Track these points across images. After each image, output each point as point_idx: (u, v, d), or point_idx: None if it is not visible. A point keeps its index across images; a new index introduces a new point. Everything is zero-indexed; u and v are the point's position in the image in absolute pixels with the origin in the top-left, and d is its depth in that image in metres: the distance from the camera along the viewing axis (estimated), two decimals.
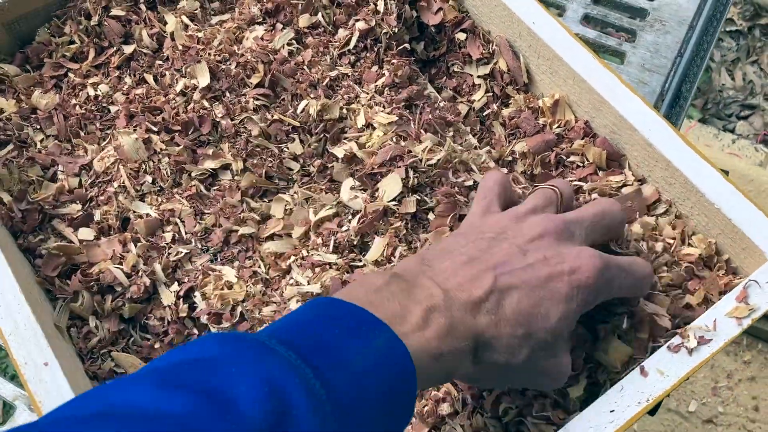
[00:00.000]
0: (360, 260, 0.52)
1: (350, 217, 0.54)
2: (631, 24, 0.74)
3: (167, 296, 0.53)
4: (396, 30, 0.62)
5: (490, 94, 0.62)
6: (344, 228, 0.53)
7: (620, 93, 0.55)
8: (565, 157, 0.58)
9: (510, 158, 0.59)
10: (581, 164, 0.57)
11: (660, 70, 0.70)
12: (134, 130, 0.59)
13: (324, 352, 0.34)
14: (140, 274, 0.53)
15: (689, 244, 0.53)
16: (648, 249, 0.52)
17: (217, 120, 0.58)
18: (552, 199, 0.47)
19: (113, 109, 0.61)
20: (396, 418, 0.36)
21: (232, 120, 0.58)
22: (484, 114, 0.62)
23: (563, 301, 0.41)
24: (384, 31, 0.61)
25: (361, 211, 0.53)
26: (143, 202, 0.57)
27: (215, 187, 0.58)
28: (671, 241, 0.53)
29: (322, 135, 0.57)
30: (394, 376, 0.35)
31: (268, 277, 0.53)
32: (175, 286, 0.54)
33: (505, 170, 0.57)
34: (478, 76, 0.63)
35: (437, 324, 0.38)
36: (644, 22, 0.74)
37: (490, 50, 0.63)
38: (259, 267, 0.54)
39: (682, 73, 0.71)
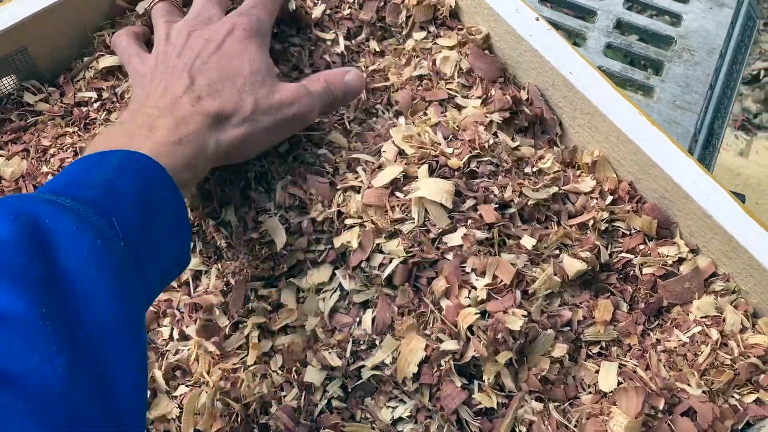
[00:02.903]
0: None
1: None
2: (658, 54, 0.68)
3: (170, 407, 0.46)
4: None
5: None
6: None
7: (673, 156, 0.49)
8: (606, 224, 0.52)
9: None
10: (627, 232, 0.52)
11: (692, 107, 0.65)
12: None
13: (65, 184, 0.37)
14: None
15: (754, 328, 0.48)
16: (708, 337, 0.47)
17: None
18: (168, 7, 0.53)
19: None
20: (166, 207, 0.39)
21: None
22: None
23: (242, 53, 0.48)
24: None
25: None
26: None
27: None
28: (734, 327, 0.47)
29: None
30: (137, 169, 0.39)
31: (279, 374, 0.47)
32: (181, 390, 0.47)
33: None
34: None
35: (163, 124, 0.42)
36: (671, 52, 0.68)
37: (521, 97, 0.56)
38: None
39: (714, 108, 0.65)
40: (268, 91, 0.47)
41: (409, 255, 0.46)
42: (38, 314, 0.30)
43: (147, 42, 0.55)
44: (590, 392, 0.47)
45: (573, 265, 0.48)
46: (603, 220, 0.51)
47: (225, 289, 0.50)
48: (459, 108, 0.55)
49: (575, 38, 0.71)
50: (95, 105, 0.57)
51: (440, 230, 0.47)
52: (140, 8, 0.57)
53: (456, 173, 0.49)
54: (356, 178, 0.49)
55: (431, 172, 0.49)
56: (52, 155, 0.54)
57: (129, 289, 0.35)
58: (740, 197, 0.71)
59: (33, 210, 0.34)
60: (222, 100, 0.45)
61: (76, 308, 0.32)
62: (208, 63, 0.47)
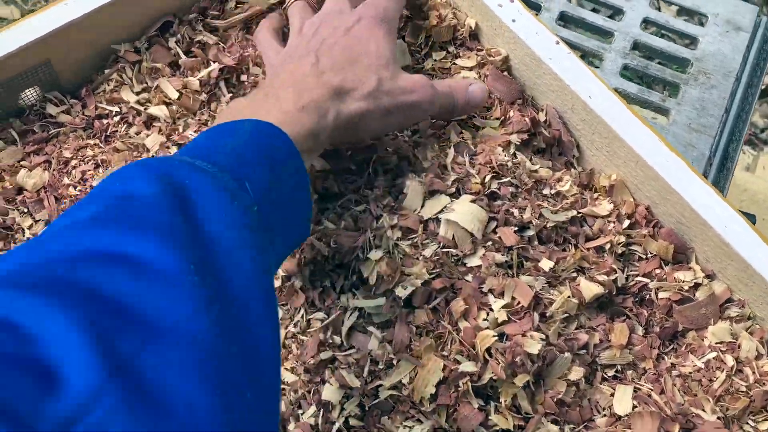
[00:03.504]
0: None
1: None
2: (674, 77, 0.69)
3: None
4: None
5: None
6: None
7: (691, 182, 0.50)
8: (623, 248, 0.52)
9: None
10: (644, 256, 0.52)
11: (707, 130, 0.65)
12: None
13: (200, 149, 0.40)
14: None
15: None
16: (723, 363, 0.47)
17: None
18: (304, 5, 0.56)
19: None
20: (290, 176, 0.41)
21: None
22: None
23: (371, 35, 0.50)
24: None
25: None
26: None
27: None
28: (750, 354, 0.48)
29: None
30: (265, 138, 0.41)
31: None
32: None
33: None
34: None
35: (287, 95, 0.45)
36: (688, 75, 0.69)
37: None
38: None
39: (729, 131, 0.66)
40: (391, 74, 0.49)
41: (432, 277, 0.47)
42: (188, 269, 0.30)
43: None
44: (605, 415, 0.47)
45: (590, 289, 0.49)
46: (620, 243, 0.51)
47: None
48: (477, 128, 0.56)
49: (592, 59, 0.72)
50: (116, 118, 0.57)
51: (462, 253, 0.47)
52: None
53: (477, 194, 0.49)
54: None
55: (459, 194, 0.49)
56: (74, 167, 0.55)
57: (263, 253, 0.36)
58: (750, 217, 0.72)
59: (174, 172, 0.35)
60: (344, 76, 0.47)
61: (221, 267, 0.32)
62: (334, 46, 0.49)
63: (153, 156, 0.54)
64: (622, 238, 0.51)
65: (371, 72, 0.48)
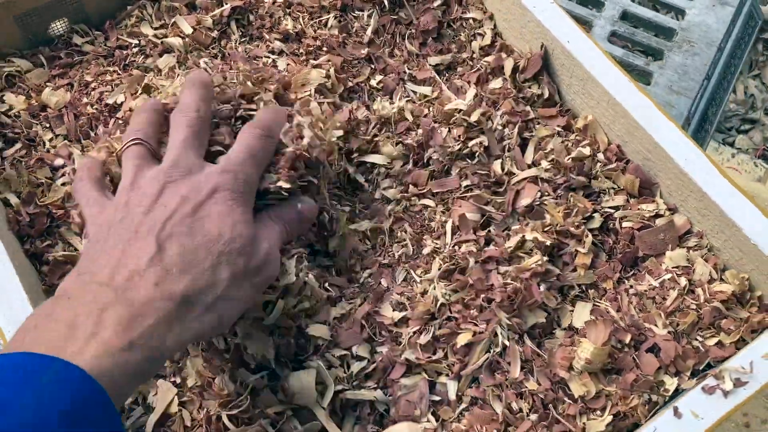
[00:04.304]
0: None
1: None
2: (659, 44, 0.72)
3: None
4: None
5: None
6: None
7: (656, 119, 0.54)
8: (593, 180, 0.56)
9: None
10: (613, 188, 0.56)
11: (687, 92, 0.69)
12: None
13: None
14: None
15: (722, 280, 0.52)
16: (677, 283, 0.51)
17: None
18: (142, 152, 0.44)
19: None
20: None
21: None
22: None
23: (224, 216, 0.41)
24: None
25: None
26: None
27: None
28: (703, 277, 0.51)
29: None
30: (72, 403, 0.32)
31: None
32: None
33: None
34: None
35: (113, 319, 0.36)
36: (672, 43, 0.73)
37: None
38: None
39: (709, 96, 0.69)
40: (246, 258, 0.41)
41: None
42: None
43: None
44: (564, 329, 0.50)
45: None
46: None
47: None
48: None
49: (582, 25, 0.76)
50: (135, 50, 0.63)
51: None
52: (100, 152, 0.48)
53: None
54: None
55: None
56: (93, 89, 0.60)
57: None
58: None
59: None
60: (193, 276, 0.38)
61: None
62: (181, 227, 0.40)
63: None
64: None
65: (223, 266, 0.39)
